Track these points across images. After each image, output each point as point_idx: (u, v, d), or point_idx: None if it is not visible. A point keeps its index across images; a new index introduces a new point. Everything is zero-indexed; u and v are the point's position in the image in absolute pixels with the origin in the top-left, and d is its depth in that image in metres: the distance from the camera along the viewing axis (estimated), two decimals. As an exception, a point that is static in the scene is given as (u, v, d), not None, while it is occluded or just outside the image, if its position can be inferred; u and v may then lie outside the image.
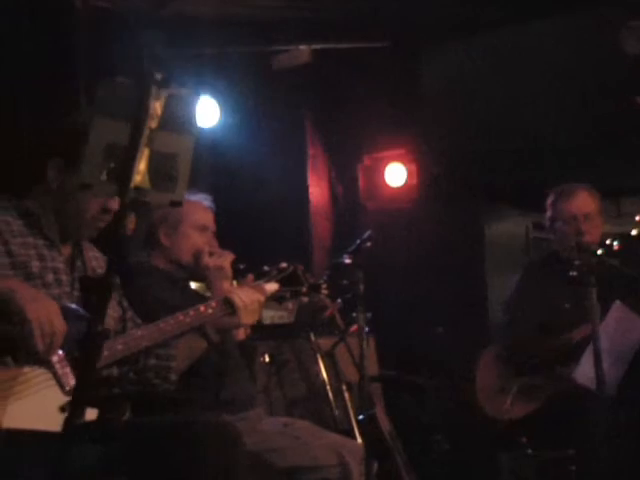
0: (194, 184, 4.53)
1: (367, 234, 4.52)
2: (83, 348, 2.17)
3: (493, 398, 5.27)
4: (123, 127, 2.24)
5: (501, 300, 5.82)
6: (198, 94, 2.24)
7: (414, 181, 7.23)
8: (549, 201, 5.39)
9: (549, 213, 5.36)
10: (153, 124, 2.26)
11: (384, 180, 7.32)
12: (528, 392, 5.11)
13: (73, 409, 2.16)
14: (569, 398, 4.84)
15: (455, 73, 6.89)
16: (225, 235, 4.59)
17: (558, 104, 6.45)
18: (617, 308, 4.52)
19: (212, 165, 6.92)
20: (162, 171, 2.27)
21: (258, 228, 6.84)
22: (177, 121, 2.30)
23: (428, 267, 7.05)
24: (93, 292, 2.21)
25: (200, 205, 4.50)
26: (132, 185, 2.24)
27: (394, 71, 7.06)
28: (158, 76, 2.22)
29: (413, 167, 7.23)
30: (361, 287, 4.41)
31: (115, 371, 3.58)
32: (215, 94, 6.68)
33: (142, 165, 2.25)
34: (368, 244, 4.50)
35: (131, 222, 2.13)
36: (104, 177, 2.22)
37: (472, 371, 5.51)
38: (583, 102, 6.36)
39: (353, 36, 6.81)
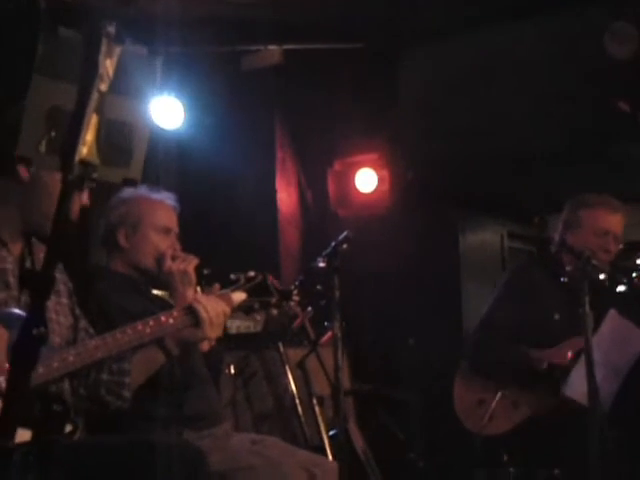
0: (157, 185, 4.22)
1: (344, 235, 4.11)
2: (15, 355, 1.74)
3: (472, 412, 4.85)
4: (68, 89, 1.81)
5: (475, 309, 5.45)
6: (157, 55, 1.77)
7: (386, 187, 6.86)
8: (578, 203, 4.96)
9: (573, 215, 4.93)
10: (103, 86, 1.83)
11: (355, 186, 6.95)
12: (510, 406, 4.70)
13: (1, 428, 1.73)
14: (556, 413, 4.45)
15: (431, 76, 6.55)
16: (190, 240, 4.17)
17: (537, 110, 6.13)
18: (612, 317, 4.14)
19: (177, 167, 6.55)
20: (114, 142, 1.84)
21: (224, 233, 6.49)
22: (132, 84, 1.88)
23: (401, 276, 6.72)
24: (31, 287, 1.79)
25: (163, 204, 4.09)
26: (77, 159, 1.81)
27: (367, 74, 6.73)
28: (110, 29, 1.80)
29: (385, 173, 6.86)
30: (337, 293, 4.00)
31: (67, 386, 3.16)
32: (181, 95, 6.29)
33: (90, 135, 1.82)
34: (345, 246, 4.09)
35: (76, 203, 1.70)
36: (44, 148, 1.79)
37: (449, 383, 5.10)
38: (564, 107, 6.03)
39: (326, 37, 6.45)
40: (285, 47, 6.56)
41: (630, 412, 4.23)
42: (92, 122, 1.82)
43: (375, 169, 6.90)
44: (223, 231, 6.52)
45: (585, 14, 5.78)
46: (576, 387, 4.08)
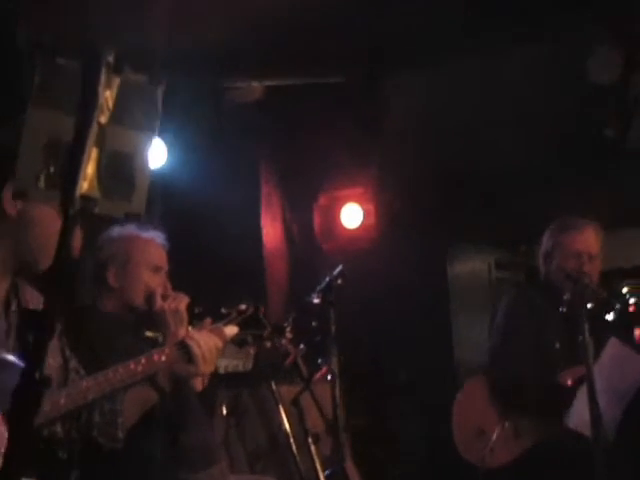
0: (141, 224, 4.14)
1: (338, 270, 4.04)
2: (17, 400, 1.64)
3: (471, 443, 4.74)
4: (66, 121, 1.72)
5: (466, 339, 5.35)
6: (160, 81, 1.70)
7: (372, 221, 6.79)
8: (550, 232, 4.91)
9: (548, 244, 4.87)
10: (103, 118, 1.75)
11: (340, 221, 6.88)
12: (512, 436, 4.59)
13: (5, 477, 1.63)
14: (559, 444, 4.35)
15: (415, 107, 6.48)
16: (176, 278, 4.08)
17: (524, 136, 6.07)
18: (613, 344, 4.06)
19: (160, 205, 6.45)
20: (115, 175, 1.75)
21: (211, 271, 6.36)
22: (133, 114, 1.79)
23: (390, 309, 6.62)
24: (31, 329, 1.69)
25: (152, 243, 4.03)
26: (78, 193, 1.72)
27: (350, 107, 6.64)
28: (109, 58, 1.72)
29: (370, 207, 6.80)
30: (333, 328, 3.92)
31: (59, 429, 3.06)
32: (163, 133, 6.19)
33: (90, 168, 1.73)
34: (339, 281, 4.01)
35: (77, 239, 1.61)
36: (42, 183, 1.70)
37: (444, 416, 5.00)
38: (551, 134, 5.99)
39: (307, 71, 6.38)
40: (267, 83, 6.49)
41: (635, 438, 4.13)
42: (92, 155, 1.74)
43: (360, 203, 6.84)
44: (209, 268, 6.40)
45: (570, 39, 5.74)
46: (578, 417, 3.98)
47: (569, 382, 4.45)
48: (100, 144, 1.75)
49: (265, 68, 6.35)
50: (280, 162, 6.99)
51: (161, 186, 6.37)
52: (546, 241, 4.87)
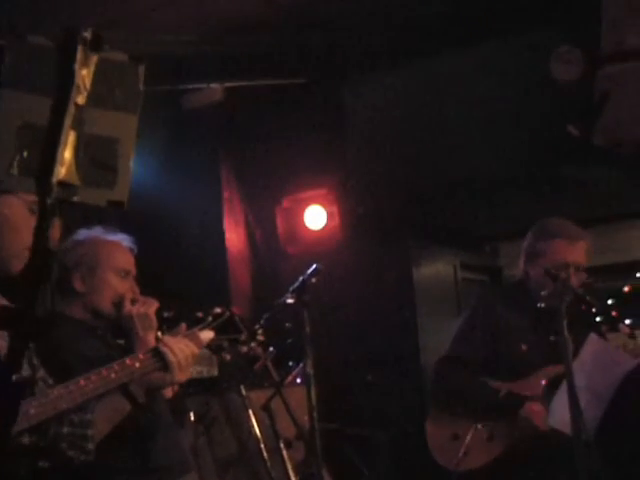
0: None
1: (313, 268, 3.91)
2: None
3: (445, 447, 4.61)
4: (40, 103, 1.58)
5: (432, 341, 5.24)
6: (141, 59, 1.55)
7: (336, 223, 6.69)
8: (538, 234, 4.69)
9: (534, 246, 4.66)
10: (81, 99, 1.60)
11: (304, 223, 6.76)
12: (485, 440, 4.48)
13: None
14: (534, 444, 4.24)
15: (378, 107, 6.37)
16: (139, 284, 3.93)
17: (486, 136, 5.98)
18: (593, 341, 3.96)
19: (120, 213, 6.27)
20: (94, 161, 1.60)
21: (173, 276, 6.21)
22: (113, 95, 1.64)
23: (356, 312, 6.51)
24: (10, 327, 1.54)
25: (120, 246, 3.88)
26: (55, 180, 1.57)
27: (312, 108, 6.53)
28: (86, 34, 1.58)
29: (334, 208, 6.69)
30: (307, 329, 3.78)
31: (26, 440, 2.89)
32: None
33: (68, 153, 1.58)
34: (313, 280, 3.88)
35: (56, 230, 1.47)
36: (16, 170, 1.55)
37: (413, 419, 4.88)
38: (513, 133, 5.90)
39: (267, 73, 6.25)
40: (226, 84, 6.34)
41: (616, 436, 4.04)
42: (70, 139, 1.59)
43: (324, 205, 6.74)
44: (171, 274, 6.25)
45: (532, 39, 5.67)
46: (559, 416, 3.88)
47: (543, 382, 4.36)
48: (78, 127, 1.60)
49: (224, 70, 6.21)
50: (241, 165, 6.86)
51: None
52: (532, 242, 4.66)
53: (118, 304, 3.71)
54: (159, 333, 3.65)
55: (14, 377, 1.49)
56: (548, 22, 5.63)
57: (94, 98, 1.63)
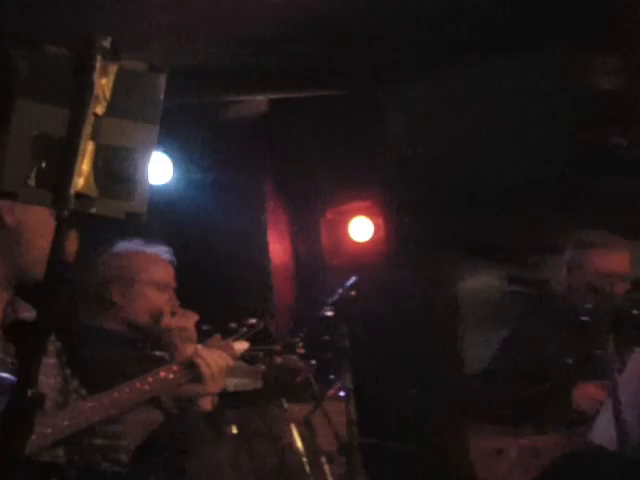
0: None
1: (351, 281, 3.87)
2: (7, 421, 1.45)
3: (489, 463, 4.53)
4: (57, 114, 1.55)
5: (476, 355, 5.17)
6: (162, 69, 1.52)
7: (381, 235, 6.63)
8: (577, 246, 4.64)
9: (572, 259, 4.62)
10: (100, 109, 1.57)
11: (348, 235, 6.70)
12: (531, 455, 4.39)
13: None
14: (581, 461, 4.15)
15: (420, 119, 6.31)
16: (182, 297, 3.91)
17: (533, 148, 5.89)
18: (637, 357, 3.85)
19: (166, 224, 6.30)
20: (114, 172, 1.57)
21: (217, 288, 6.19)
22: (133, 104, 1.61)
23: (400, 326, 6.44)
24: (22, 342, 1.51)
25: (159, 259, 3.87)
26: (72, 192, 1.54)
27: (356, 119, 6.49)
28: (105, 44, 1.54)
29: (380, 220, 6.63)
30: (346, 342, 3.73)
31: (61, 453, 2.88)
32: (167, 149, 6.07)
33: (86, 164, 1.55)
34: (352, 293, 3.83)
35: (72, 243, 1.43)
36: (32, 181, 1.52)
37: (455, 433, 4.80)
38: (558, 147, 5.82)
39: (310, 84, 6.23)
40: (271, 97, 6.34)
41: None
42: (88, 149, 1.56)
43: (370, 217, 6.68)
44: (215, 285, 6.24)
45: (572, 48, 5.58)
46: (603, 432, 3.79)
47: (589, 397, 4.26)
48: (96, 137, 1.57)
49: (268, 82, 6.20)
50: (286, 177, 6.83)
51: (167, 202, 6.25)
52: (572, 254, 4.60)
53: (157, 317, 3.70)
54: (198, 345, 3.63)
55: (29, 392, 1.44)
56: (589, 31, 5.53)
57: (113, 108, 1.60)
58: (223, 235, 6.37)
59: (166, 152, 6.09)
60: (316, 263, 6.81)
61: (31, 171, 1.54)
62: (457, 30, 5.50)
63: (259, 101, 6.36)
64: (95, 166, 1.56)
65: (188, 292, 4.13)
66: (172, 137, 6.07)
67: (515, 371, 4.52)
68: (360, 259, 6.62)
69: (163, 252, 3.88)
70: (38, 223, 2.68)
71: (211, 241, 6.37)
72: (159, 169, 6.07)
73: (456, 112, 6.13)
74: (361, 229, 6.68)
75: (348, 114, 6.47)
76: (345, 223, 6.74)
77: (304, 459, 4.72)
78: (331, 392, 4.59)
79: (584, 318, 3.86)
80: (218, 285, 6.24)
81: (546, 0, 5.13)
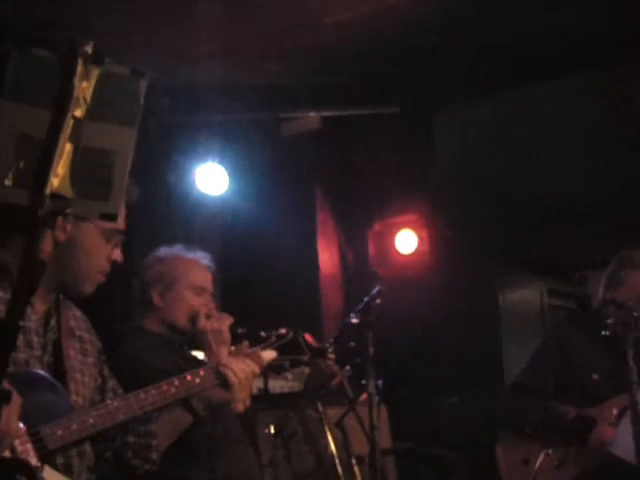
0: (203, 250, 3.95)
1: (376, 290, 3.76)
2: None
3: (516, 471, 4.39)
4: (41, 115, 1.49)
5: (516, 367, 5.02)
6: (143, 74, 1.45)
7: (426, 247, 6.52)
8: (621, 264, 4.43)
9: (613, 276, 4.42)
10: (79, 112, 1.50)
11: (395, 247, 6.61)
12: (555, 467, 4.23)
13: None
14: (604, 472, 3.99)
15: (466, 136, 6.21)
16: (233, 303, 3.88)
17: (573, 166, 5.74)
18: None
19: (221, 233, 6.29)
20: (90, 173, 1.50)
21: (267, 296, 6.15)
22: (112, 109, 1.54)
23: (442, 335, 6.34)
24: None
25: (197, 264, 3.81)
26: (48, 192, 1.47)
27: (404, 136, 6.41)
28: (87, 48, 1.48)
29: (424, 233, 6.53)
30: (371, 350, 3.63)
31: (87, 449, 2.81)
32: (224, 161, 6.05)
33: (63, 165, 1.48)
34: (378, 301, 3.73)
35: (48, 243, 1.36)
36: (10, 181, 1.46)
37: (491, 442, 4.66)
38: (599, 163, 5.65)
39: (362, 102, 6.16)
40: (323, 113, 6.28)
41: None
42: (66, 151, 1.50)
43: (415, 230, 6.58)
44: (266, 293, 6.21)
45: (617, 69, 5.42)
46: (623, 444, 3.64)
47: (614, 411, 4.10)
48: (75, 139, 1.50)
49: (321, 99, 6.15)
50: (336, 190, 6.77)
51: (224, 212, 6.24)
52: (614, 271, 4.41)
53: (193, 319, 3.65)
54: (232, 348, 3.57)
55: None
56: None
57: (93, 111, 1.53)
58: (275, 245, 6.32)
59: (223, 164, 6.06)
60: (363, 273, 6.73)
61: (9, 171, 1.48)
62: (511, 50, 5.40)
63: (312, 117, 6.28)
64: (72, 167, 1.50)
65: (240, 299, 4.09)
66: (228, 150, 6.07)
67: (542, 384, 4.37)
68: (405, 270, 6.53)
69: (202, 258, 3.83)
70: (86, 241, 2.66)
71: (264, 250, 6.33)
72: (216, 180, 6.06)
73: (504, 133, 6.03)
74: (407, 242, 6.58)
75: (397, 131, 6.40)
76: (392, 235, 6.65)
77: (337, 461, 4.64)
78: (363, 396, 4.48)
79: (604, 333, 3.71)
80: (270, 293, 6.20)
81: (593, 25, 5.01)
